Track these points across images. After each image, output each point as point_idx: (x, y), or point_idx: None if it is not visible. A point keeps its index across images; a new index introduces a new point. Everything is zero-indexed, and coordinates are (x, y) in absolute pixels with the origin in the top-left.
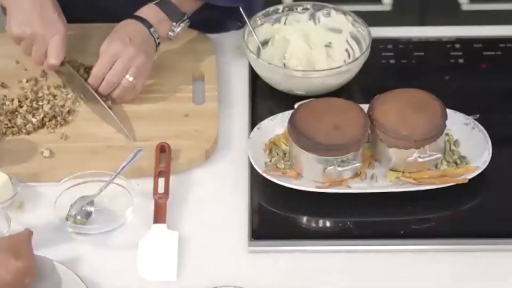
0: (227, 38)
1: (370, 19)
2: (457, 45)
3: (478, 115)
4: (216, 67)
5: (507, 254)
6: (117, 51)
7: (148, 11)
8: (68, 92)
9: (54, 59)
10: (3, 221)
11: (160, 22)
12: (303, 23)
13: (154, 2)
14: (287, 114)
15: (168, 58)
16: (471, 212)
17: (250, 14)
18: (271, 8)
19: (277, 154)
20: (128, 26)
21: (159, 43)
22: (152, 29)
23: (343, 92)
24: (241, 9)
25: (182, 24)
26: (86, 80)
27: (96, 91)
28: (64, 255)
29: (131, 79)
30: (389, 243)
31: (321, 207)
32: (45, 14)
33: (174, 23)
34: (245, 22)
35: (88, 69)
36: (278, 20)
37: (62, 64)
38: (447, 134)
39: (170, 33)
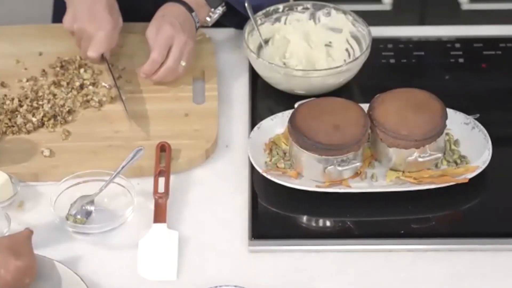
0: (227, 38)
1: (370, 18)
2: (457, 45)
3: (478, 115)
4: (216, 66)
5: (507, 254)
6: (171, 35)
7: None
8: (68, 91)
9: (91, 51)
10: (3, 220)
11: (200, 6)
12: (303, 22)
13: None
14: (287, 113)
15: None
16: (471, 212)
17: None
18: (271, 8)
19: (277, 153)
20: (172, 8)
21: (198, 27)
22: (193, 13)
23: (343, 91)
24: (246, 4)
25: (219, 10)
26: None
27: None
28: (64, 254)
29: (184, 64)
30: (389, 243)
31: (321, 207)
32: (95, 10)
33: (212, 9)
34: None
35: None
36: (278, 20)
37: (102, 58)
38: (447, 134)
39: (207, 18)
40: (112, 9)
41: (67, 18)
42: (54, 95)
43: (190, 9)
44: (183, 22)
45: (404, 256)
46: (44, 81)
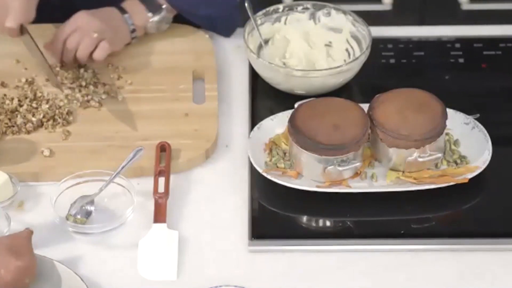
0: (227, 38)
1: (370, 18)
2: (457, 45)
3: (478, 115)
4: (216, 66)
5: (507, 253)
6: (84, 18)
7: (128, 3)
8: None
9: (9, 21)
10: (3, 220)
11: (136, 12)
12: (303, 22)
13: None
14: (287, 113)
15: (168, 58)
16: (471, 212)
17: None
18: (272, 8)
19: (277, 153)
20: (104, 10)
21: (133, 29)
22: (126, 15)
23: (343, 91)
24: (246, 4)
25: (159, 16)
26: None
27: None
28: (64, 254)
29: (95, 35)
30: (389, 243)
31: (321, 207)
32: None
33: (150, 14)
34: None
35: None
36: (278, 20)
37: (22, 32)
38: (447, 134)
39: (148, 24)
40: None
41: None
42: (54, 95)
43: (124, 11)
44: (103, 14)
45: (404, 256)
46: (44, 81)
